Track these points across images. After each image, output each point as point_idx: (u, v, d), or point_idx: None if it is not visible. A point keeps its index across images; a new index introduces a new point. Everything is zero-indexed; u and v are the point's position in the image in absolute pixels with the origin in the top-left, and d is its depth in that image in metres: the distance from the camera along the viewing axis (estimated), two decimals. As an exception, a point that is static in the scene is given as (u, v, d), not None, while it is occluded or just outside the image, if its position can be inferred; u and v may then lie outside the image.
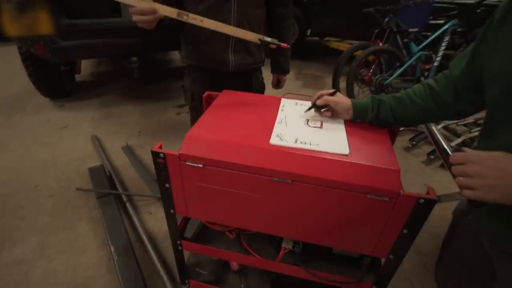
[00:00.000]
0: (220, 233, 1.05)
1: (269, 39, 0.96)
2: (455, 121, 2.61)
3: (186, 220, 1.09)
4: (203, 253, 1.07)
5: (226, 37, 1.11)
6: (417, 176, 2.19)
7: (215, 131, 0.82)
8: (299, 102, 1.02)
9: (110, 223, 1.55)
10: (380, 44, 2.94)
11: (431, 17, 3.27)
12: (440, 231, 1.28)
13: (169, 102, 3.17)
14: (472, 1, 2.99)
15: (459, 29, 2.83)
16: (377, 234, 0.76)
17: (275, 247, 0.99)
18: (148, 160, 2.22)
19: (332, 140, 0.79)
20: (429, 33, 2.93)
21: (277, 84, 1.47)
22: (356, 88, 2.86)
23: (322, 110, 0.90)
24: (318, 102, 0.88)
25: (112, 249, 1.43)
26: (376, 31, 3.10)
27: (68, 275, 1.40)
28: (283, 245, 0.96)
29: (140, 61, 2.69)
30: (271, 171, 0.73)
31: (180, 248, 1.03)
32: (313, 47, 5.33)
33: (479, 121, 2.63)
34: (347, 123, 0.89)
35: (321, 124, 0.88)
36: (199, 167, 0.77)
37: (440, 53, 2.84)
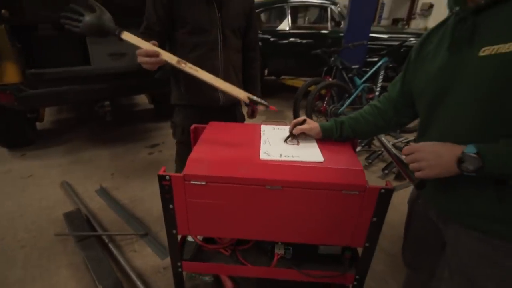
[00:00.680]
0: (215, 252, 1.15)
1: (258, 99, 1.00)
2: (400, 140, 3.05)
3: (182, 243, 1.17)
4: (202, 272, 1.14)
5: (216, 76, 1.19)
6: (377, 190, 2.47)
7: (212, 154, 0.97)
8: (276, 126, 1.23)
9: (95, 263, 1.51)
10: (330, 79, 3.45)
11: (367, 56, 3.94)
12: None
13: (140, 143, 3.20)
14: (396, 44, 3.73)
15: (390, 65, 3.47)
16: (353, 225, 0.94)
17: (268, 256, 1.12)
18: (126, 200, 2.21)
19: (309, 152, 0.98)
20: (368, 69, 3.52)
21: (252, 114, 1.67)
22: (314, 118, 3.22)
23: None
24: (295, 131, 1.08)
25: (100, 288, 1.39)
26: (325, 68, 3.67)
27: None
28: (276, 251, 1.08)
29: (112, 104, 2.76)
30: (264, 180, 0.88)
31: (180, 270, 1.10)
32: (271, 85, 5.82)
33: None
34: (318, 140, 1.10)
35: (298, 142, 1.07)
36: (202, 184, 0.90)
37: (379, 84, 3.41)
